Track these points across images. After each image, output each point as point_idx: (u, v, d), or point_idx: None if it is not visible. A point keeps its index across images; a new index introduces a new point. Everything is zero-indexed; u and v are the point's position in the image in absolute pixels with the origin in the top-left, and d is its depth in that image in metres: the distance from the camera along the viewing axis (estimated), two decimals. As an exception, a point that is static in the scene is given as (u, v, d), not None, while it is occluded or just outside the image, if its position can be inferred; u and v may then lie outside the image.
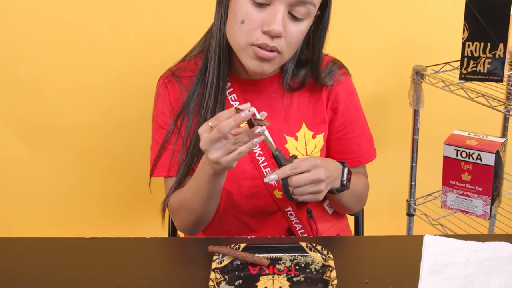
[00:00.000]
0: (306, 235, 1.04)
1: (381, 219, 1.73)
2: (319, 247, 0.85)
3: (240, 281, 0.80)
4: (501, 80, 1.23)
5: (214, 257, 0.83)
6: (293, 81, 1.01)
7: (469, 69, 1.24)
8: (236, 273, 0.81)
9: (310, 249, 0.85)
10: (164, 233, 1.18)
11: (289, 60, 0.98)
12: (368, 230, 1.24)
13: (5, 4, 1.49)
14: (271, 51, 0.89)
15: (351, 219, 1.21)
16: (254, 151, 1.00)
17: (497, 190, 1.28)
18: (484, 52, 1.21)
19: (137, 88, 1.57)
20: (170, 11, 1.51)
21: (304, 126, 1.02)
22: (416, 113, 1.43)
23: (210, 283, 0.78)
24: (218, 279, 0.80)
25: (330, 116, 1.04)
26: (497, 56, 1.21)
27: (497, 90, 1.28)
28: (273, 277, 0.81)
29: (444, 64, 1.38)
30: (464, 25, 1.21)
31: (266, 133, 0.83)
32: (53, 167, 1.66)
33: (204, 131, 0.83)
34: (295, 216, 1.04)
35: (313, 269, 0.82)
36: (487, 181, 1.22)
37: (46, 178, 1.67)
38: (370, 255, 0.87)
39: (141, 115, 1.55)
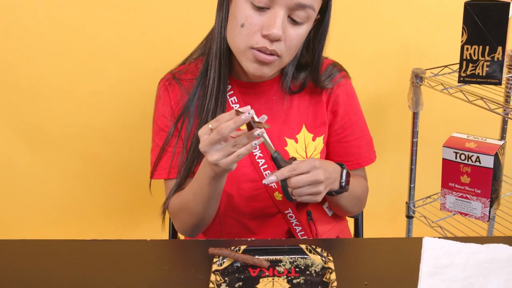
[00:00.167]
0: (306, 237, 1.04)
1: (381, 221, 1.74)
2: (318, 249, 0.85)
3: (240, 283, 0.80)
4: (499, 83, 1.23)
5: (215, 259, 0.84)
6: (293, 84, 1.02)
7: (468, 72, 1.24)
8: (236, 275, 0.82)
9: (310, 251, 0.86)
10: (165, 235, 1.18)
11: (289, 63, 0.98)
12: (368, 232, 1.25)
13: (8, 11, 1.49)
14: (271, 54, 0.90)
15: (350, 221, 1.22)
16: (254, 153, 1.00)
17: (496, 193, 1.29)
18: (483, 55, 1.22)
19: (138, 92, 1.57)
20: (171, 16, 1.52)
21: (304, 128, 1.03)
22: (415, 116, 1.43)
23: (211, 285, 0.78)
24: (218, 281, 0.80)
25: (330, 118, 1.05)
26: (495, 59, 1.21)
27: (495, 93, 1.28)
28: (273, 279, 0.81)
29: (443, 67, 1.38)
30: (463, 28, 1.21)
31: (265, 135, 0.84)
32: (55, 170, 1.66)
33: (204, 133, 0.83)
34: (295, 218, 1.04)
35: (313, 271, 0.82)
36: (486, 183, 1.23)
37: (47, 181, 1.67)
38: (369, 257, 0.88)
39: (142, 118, 1.55)
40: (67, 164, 1.65)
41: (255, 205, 1.02)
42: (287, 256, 0.85)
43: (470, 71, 1.24)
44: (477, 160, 1.21)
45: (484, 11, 1.18)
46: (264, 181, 0.87)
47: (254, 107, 0.98)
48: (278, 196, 1.03)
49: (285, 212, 1.04)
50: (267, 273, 0.82)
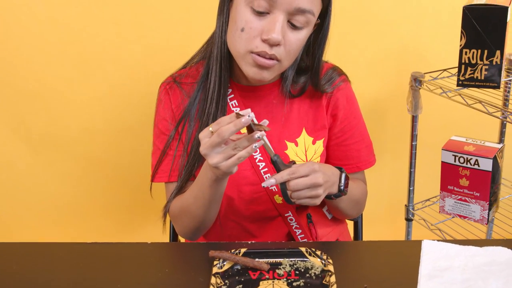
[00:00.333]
0: (306, 240, 1.05)
1: (380, 224, 1.74)
2: (318, 252, 0.86)
3: (241, 286, 0.80)
4: (498, 87, 1.24)
5: (215, 262, 0.84)
6: (293, 88, 1.02)
7: (467, 76, 1.25)
8: (237, 278, 0.82)
9: (310, 254, 0.86)
10: (165, 238, 1.19)
11: (289, 68, 0.99)
12: (367, 235, 1.25)
13: (9, 13, 1.50)
14: (271, 59, 0.90)
15: (350, 224, 1.22)
16: (255, 156, 1.01)
17: (495, 195, 1.29)
18: (481, 59, 1.22)
19: (138, 95, 1.57)
20: (172, 20, 1.52)
21: (304, 132, 1.03)
22: (414, 119, 1.43)
23: (211, 287, 0.79)
24: (218, 284, 0.80)
25: (329, 122, 1.05)
26: (494, 63, 1.21)
27: (494, 96, 1.28)
28: (273, 282, 0.81)
29: (441, 71, 1.39)
30: (462, 32, 1.21)
31: (265, 138, 0.84)
32: (56, 172, 1.66)
33: (205, 136, 0.84)
34: (295, 221, 1.04)
35: (312, 274, 0.83)
36: (484, 186, 1.23)
37: (48, 183, 1.68)
38: (369, 260, 0.88)
39: (142, 121, 1.56)
40: (68, 167, 1.66)
41: (255, 208, 1.03)
42: (287, 259, 0.85)
43: (469, 74, 1.24)
44: (476, 163, 1.22)
45: (483, 15, 1.18)
46: (263, 184, 0.88)
47: (254, 110, 0.99)
48: (278, 199, 1.03)
49: (285, 215, 1.04)
50: (267, 276, 0.82)
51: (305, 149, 1.03)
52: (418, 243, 0.89)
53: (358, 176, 1.10)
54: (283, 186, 0.88)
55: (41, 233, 1.72)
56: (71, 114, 1.60)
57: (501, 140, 1.59)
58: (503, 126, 1.57)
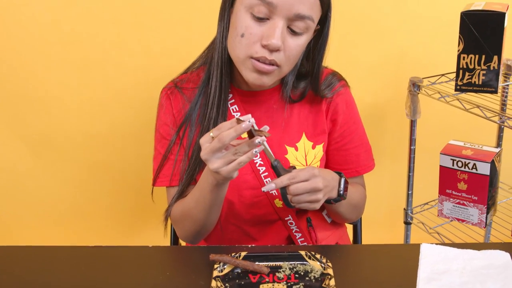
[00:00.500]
0: (305, 243, 1.05)
1: (379, 228, 1.74)
2: (318, 256, 0.86)
3: (241, 289, 0.81)
4: (495, 92, 1.24)
5: (215, 266, 0.85)
6: (293, 93, 1.03)
7: (465, 81, 1.25)
8: (237, 281, 0.82)
9: (309, 258, 0.86)
10: (166, 242, 1.19)
11: (290, 73, 1.00)
12: (366, 238, 1.26)
13: (13, 20, 1.51)
14: (270, 64, 0.91)
15: (349, 228, 1.22)
16: (255, 161, 1.01)
17: (493, 199, 1.30)
18: (479, 64, 1.23)
19: (140, 100, 1.58)
20: (173, 26, 1.53)
21: (304, 136, 1.04)
22: (413, 124, 1.44)
23: (212, 290, 0.80)
24: (219, 287, 0.81)
25: (329, 127, 1.06)
26: (491, 68, 1.22)
27: (491, 101, 1.29)
28: (273, 285, 0.82)
29: (440, 76, 1.40)
30: (459, 37, 1.22)
31: (265, 143, 0.85)
32: (58, 176, 1.67)
33: (205, 141, 0.84)
34: (295, 225, 1.05)
35: (312, 277, 0.83)
36: (482, 190, 1.24)
37: (51, 187, 1.68)
38: (368, 263, 0.89)
39: (144, 126, 1.56)
40: (69, 170, 1.66)
41: (255, 212, 1.03)
42: (286, 263, 0.86)
43: (467, 79, 1.25)
44: (474, 167, 1.23)
45: (480, 21, 1.19)
46: (263, 189, 0.88)
47: (254, 115, 1.00)
48: (279, 203, 1.04)
49: (285, 219, 1.04)
50: (267, 279, 0.83)
51: (305, 154, 1.04)
52: (417, 246, 0.89)
53: (357, 181, 1.10)
54: (283, 190, 0.89)
55: (43, 236, 1.72)
56: (72, 118, 1.61)
57: (498, 144, 1.59)
58: (500, 130, 1.58)
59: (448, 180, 1.28)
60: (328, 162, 1.08)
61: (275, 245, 1.02)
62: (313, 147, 1.04)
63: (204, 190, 0.92)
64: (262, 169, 1.02)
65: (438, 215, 1.35)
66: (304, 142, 1.04)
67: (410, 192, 1.52)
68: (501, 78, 1.26)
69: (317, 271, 0.84)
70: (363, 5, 1.59)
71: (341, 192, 0.95)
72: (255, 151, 0.83)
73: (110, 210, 1.72)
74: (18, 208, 1.71)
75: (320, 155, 1.05)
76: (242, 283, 0.82)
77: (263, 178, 1.02)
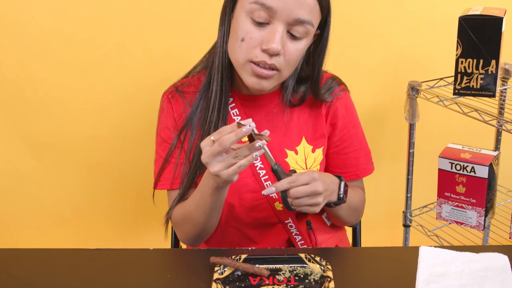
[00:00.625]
0: (305, 246, 1.06)
1: (378, 230, 1.75)
2: (317, 258, 0.87)
3: (242, 291, 0.82)
4: (493, 95, 1.25)
5: (216, 268, 0.85)
6: (294, 97, 1.03)
7: (463, 85, 1.26)
8: (237, 283, 0.83)
9: (309, 260, 0.87)
10: (167, 244, 1.19)
11: (290, 77, 1.00)
12: (366, 241, 1.26)
13: (15, 25, 1.51)
14: (270, 68, 0.92)
15: (349, 231, 1.23)
16: (255, 164, 1.02)
17: (491, 202, 1.31)
18: (477, 68, 1.24)
19: (142, 104, 1.58)
20: (174, 31, 1.54)
21: (304, 140, 1.05)
22: (411, 127, 1.45)
23: (212, 293, 0.80)
24: (220, 289, 0.81)
25: (329, 131, 1.06)
26: (489, 72, 1.23)
27: (489, 105, 1.30)
28: (273, 287, 0.82)
29: (438, 80, 1.40)
30: (458, 42, 1.23)
31: (265, 147, 0.86)
32: (60, 179, 1.67)
33: (206, 145, 0.85)
34: (295, 228, 1.05)
35: (312, 280, 0.83)
36: (481, 193, 1.24)
37: (52, 190, 1.68)
38: (367, 265, 0.89)
39: (145, 129, 1.56)
40: (71, 174, 1.67)
41: (256, 215, 1.04)
42: (286, 265, 0.86)
43: (465, 83, 1.26)
44: (472, 170, 1.23)
45: (478, 25, 1.20)
46: (263, 192, 0.89)
47: (255, 119, 1.00)
48: (279, 206, 1.04)
49: (285, 221, 1.05)
50: (267, 282, 0.83)
51: (305, 157, 1.04)
52: (416, 249, 0.90)
53: (357, 184, 1.11)
54: (283, 193, 0.90)
55: (44, 239, 1.72)
56: (73, 120, 1.61)
57: (496, 148, 1.60)
58: (498, 134, 1.59)
59: (446, 183, 1.28)
60: (327, 166, 1.09)
61: (275, 247, 1.03)
62: (313, 151, 1.05)
63: (205, 193, 0.93)
64: (262, 172, 1.02)
65: (436, 217, 1.36)
66: (304, 146, 1.04)
67: (409, 195, 1.52)
68: (499, 82, 1.27)
69: (316, 274, 0.85)
70: (362, 9, 1.60)
71: (341, 195, 0.96)
72: (255, 155, 0.83)
73: (111, 212, 1.73)
74: (19, 210, 1.71)
75: (320, 159, 1.06)
76: (242, 285, 0.83)
77: (263, 182, 1.02)
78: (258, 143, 0.82)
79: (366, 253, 0.95)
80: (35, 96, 1.58)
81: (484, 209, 1.26)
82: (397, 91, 1.59)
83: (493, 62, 1.22)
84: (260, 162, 1.02)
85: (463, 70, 1.25)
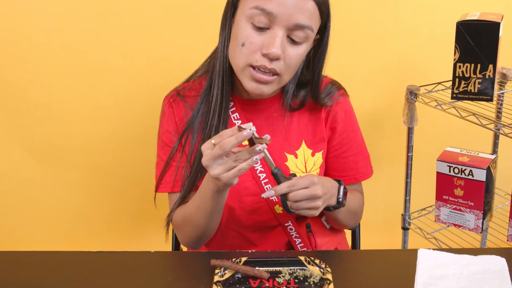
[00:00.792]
0: (305, 249, 1.06)
1: (377, 233, 1.75)
2: (317, 261, 0.87)
3: (242, 294, 0.82)
4: (491, 100, 1.26)
5: (216, 271, 0.85)
6: (294, 101, 1.04)
7: (461, 89, 1.27)
8: (237, 286, 0.83)
9: (309, 263, 0.87)
10: (168, 247, 1.19)
11: (290, 81, 1.01)
12: (365, 243, 1.27)
13: (17, 28, 1.52)
14: (271, 73, 0.92)
15: (348, 233, 1.23)
16: (255, 168, 1.03)
17: (489, 205, 1.31)
18: (475, 73, 1.24)
19: (143, 108, 1.59)
20: (176, 36, 1.55)
21: (303, 144, 1.05)
22: (410, 131, 1.45)
23: (213, 295, 0.81)
24: (220, 292, 0.82)
25: (328, 135, 1.07)
26: (487, 77, 1.24)
27: (487, 109, 1.30)
28: (273, 289, 0.83)
29: (436, 84, 1.41)
30: (455, 47, 1.24)
31: (266, 151, 0.86)
32: (61, 182, 1.67)
33: (207, 148, 0.86)
34: (294, 231, 1.06)
35: (311, 282, 0.84)
36: (478, 196, 1.25)
37: (54, 193, 1.69)
38: (366, 268, 0.90)
39: (146, 133, 1.57)
40: (72, 176, 1.67)
41: (256, 218, 1.04)
42: (286, 268, 0.87)
43: (463, 88, 1.27)
44: (470, 173, 1.24)
45: (476, 30, 1.20)
46: (263, 195, 0.90)
47: (255, 123, 1.01)
48: (279, 209, 1.05)
49: (285, 224, 1.05)
50: (267, 284, 0.84)
51: (305, 161, 1.05)
52: (414, 251, 0.90)
53: (356, 188, 1.11)
54: (283, 196, 0.90)
55: (46, 241, 1.72)
56: (76, 124, 1.62)
57: (494, 151, 1.61)
58: (496, 137, 1.60)
59: (445, 186, 1.29)
60: (327, 169, 1.10)
61: (275, 250, 1.03)
62: (313, 155, 1.05)
63: (205, 196, 0.93)
64: (262, 176, 1.03)
65: (435, 220, 1.37)
66: (303, 150, 1.05)
67: (407, 198, 1.53)
68: (496, 86, 1.28)
69: (316, 276, 0.85)
70: (361, 15, 1.61)
71: (340, 199, 0.97)
72: (256, 159, 0.84)
73: (112, 215, 1.73)
74: (21, 213, 1.72)
75: (320, 163, 1.06)
76: (243, 288, 0.84)
77: (263, 185, 1.03)
78: (258, 146, 0.83)
79: (365, 255, 0.96)
80: (37, 99, 1.59)
81: (482, 212, 1.27)
82: (396, 95, 1.60)
83: (491, 66, 1.23)
84: (260, 166, 1.03)
85: (461, 75, 1.26)
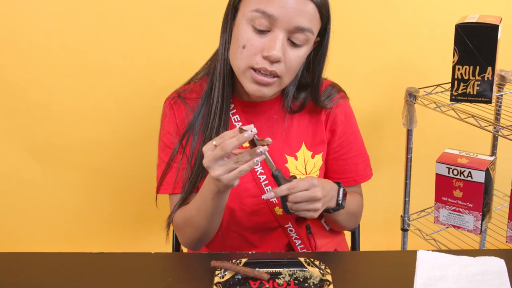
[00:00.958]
0: (305, 250, 1.06)
1: (377, 234, 1.76)
2: (317, 262, 0.88)
3: (242, 295, 0.82)
4: (489, 102, 1.26)
5: (216, 272, 0.86)
6: (294, 104, 1.05)
7: (460, 91, 1.27)
8: (237, 287, 0.84)
9: (309, 264, 0.88)
10: (168, 248, 1.20)
11: (290, 84, 1.01)
12: (364, 244, 1.27)
13: (19, 30, 1.52)
14: (271, 75, 0.93)
15: (348, 235, 1.24)
16: (256, 169, 1.03)
17: (488, 206, 1.32)
18: (474, 75, 1.25)
19: (144, 109, 1.59)
20: (177, 38, 1.55)
21: (303, 146, 1.06)
22: (409, 133, 1.46)
23: (214, 296, 0.81)
24: (221, 293, 0.82)
25: (328, 137, 1.07)
26: (485, 79, 1.24)
27: (486, 111, 1.31)
28: (273, 291, 0.83)
29: (435, 86, 1.41)
30: (454, 49, 1.25)
31: (266, 153, 0.87)
32: (62, 184, 1.68)
33: (208, 149, 0.86)
34: (294, 232, 1.06)
35: (311, 284, 0.84)
36: (477, 197, 1.26)
37: (55, 194, 1.69)
38: (366, 269, 0.90)
39: (147, 134, 1.57)
40: (73, 178, 1.67)
41: (256, 219, 1.05)
42: (286, 269, 0.87)
43: (462, 90, 1.27)
44: (469, 175, 1.24)
45: (474, 33, 1.21)
46: (263, 196, 0.90)
47: (255, 125, 0.99)
48: (279, 210, 1.05)
49: (285, 226, 1.06)
50: (267, 285, 0.84)
51: (305, 163, 1.05)
52: (413, 253, 0.91)
53: (355, 189, 1.12)
54: (283, 197, 0.91)
55: (46, 242, 1.72)
56: (76, 125, 1.62)
57: (493, 153, 1.62)
58: (495, 139, 1.60)
59: (444, 187, 1.29)
60: (326, 171, 1.10)
61: (275, 252, 1.03)
62: (313, 157, 1.06)
63: (206, 198, 0.94)
64: (262, 177, 1.03)
65: (434, 222, 1.37)
66: (303, 152, 1.05)
67: (407, 200, 1.53)
68: (495, 88, 1.28)
69: (316, 278, 0.85)
70: (361, 17, 1.61)
71: (340, 201, 0.97)
72: (256, 160, 0.84)
73: (112, 216, 1.73)
74: (21, 214, 1.72)
75: (320, 165, 1.07)
76: (243, 289, 0.84)
77: (263, 187, 1.03)
78: (259, 148, 0.83)
79: (365, 257, 0.96)
80: (37, 100, 1.59)
81: (481, 213, 1.27)
82: (395, 97, 1.61)
83: (489, 69, 1.23)
84: (261, 167, 1.03)
85: (459, 77, 1.26)
